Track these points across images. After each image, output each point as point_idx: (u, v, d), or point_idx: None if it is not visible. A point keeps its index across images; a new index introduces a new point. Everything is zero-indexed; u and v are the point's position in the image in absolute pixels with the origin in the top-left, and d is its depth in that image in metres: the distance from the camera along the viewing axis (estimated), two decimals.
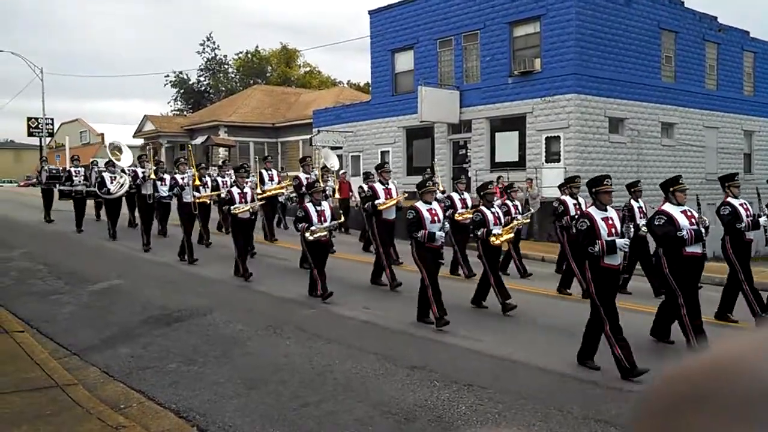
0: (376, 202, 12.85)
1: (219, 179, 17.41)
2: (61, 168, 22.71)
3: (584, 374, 7.43)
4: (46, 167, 21.69)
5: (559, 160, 21.30)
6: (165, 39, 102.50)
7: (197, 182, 15.29)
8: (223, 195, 14.79)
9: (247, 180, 13.65)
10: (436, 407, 6.33)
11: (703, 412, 0.46)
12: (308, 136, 31.54)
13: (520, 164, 22.34)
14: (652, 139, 23.64)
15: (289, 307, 10.64)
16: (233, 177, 14.94)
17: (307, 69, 65.53)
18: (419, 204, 9.84)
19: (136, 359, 7.94)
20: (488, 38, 23.63)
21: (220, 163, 24.17)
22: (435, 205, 10.03)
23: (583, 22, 21.42)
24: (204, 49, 62.68)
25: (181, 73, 61.75)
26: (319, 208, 11.28)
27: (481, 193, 10.97)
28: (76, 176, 19.60)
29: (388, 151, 26.89)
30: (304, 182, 16.01)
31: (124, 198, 17.85)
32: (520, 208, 13.11)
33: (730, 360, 0.48)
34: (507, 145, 23.26)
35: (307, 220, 11.09)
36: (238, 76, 63.27)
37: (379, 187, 13.15)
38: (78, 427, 5.78)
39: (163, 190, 16.19)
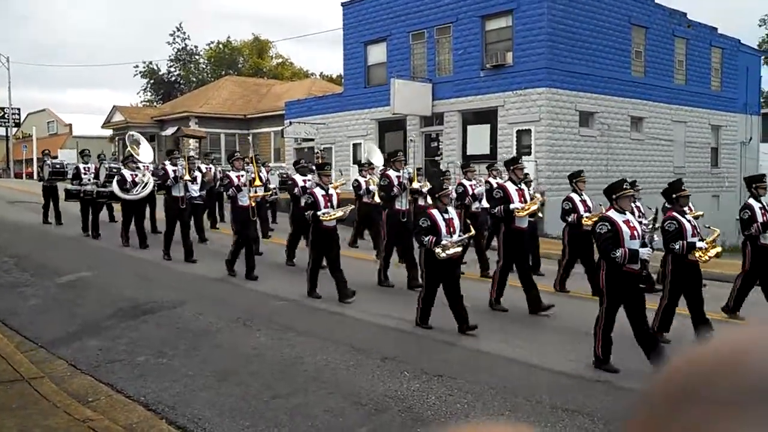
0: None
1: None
2: (65, 162, 19.49)
3: (553, 364, 7.51)
4: (48, 161, 18.32)
5: (530, 153, 21.42)
6: (135, 29, 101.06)
7: (258, 182, 12.70)
8: (304, 200, 11.09)
9: (329, 180, 11.21)
10: (406, 398, 6.37)
11: (702, 406, 0.46)
12: (280, 128, 31.38)
13: (491, 157, 22.42)
14: (621, 132, 23.89)
15: (261, 300, 10.60)
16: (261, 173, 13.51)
17: (280, 60, 65.08)
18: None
19: (105, 352, 7.86)
20: (460, 32, 23.67)
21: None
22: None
23: (555, 17, 21.55)
24: (174, 39, 61.97)
25: (151, 63, 61.04)
26: (446, 215, 8.95)
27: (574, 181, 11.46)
28: (85, 173, 16.68)
29: (360, 144, 26.86)
30: (395, 181, 12.27)
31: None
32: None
33: (731, 353, 0.48)
34: (479, 138, 23.35)
35: (434, 232, 8.71)
36: (209, 67, 62.66)
37: (393, 175, 12.71)
38: (45, 421, 5.71)
39: (194, 190, 14.29)
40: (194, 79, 60.33)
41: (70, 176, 17.25)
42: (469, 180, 13.75)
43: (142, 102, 60.93)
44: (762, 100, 37.29)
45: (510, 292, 10.03)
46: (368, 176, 15.21)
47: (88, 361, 7.54)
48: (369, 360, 7.49)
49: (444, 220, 8.80)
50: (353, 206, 12.59)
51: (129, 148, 15.43)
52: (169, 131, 38.31)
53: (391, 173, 12.07)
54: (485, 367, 7.45)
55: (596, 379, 7.09)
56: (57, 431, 5.56)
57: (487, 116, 23.09)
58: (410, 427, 5.83)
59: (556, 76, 21.66)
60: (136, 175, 14.79)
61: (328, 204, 10.49)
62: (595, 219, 9.22)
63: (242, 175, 12.42)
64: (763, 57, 38.18)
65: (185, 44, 61.67)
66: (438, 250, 8.39)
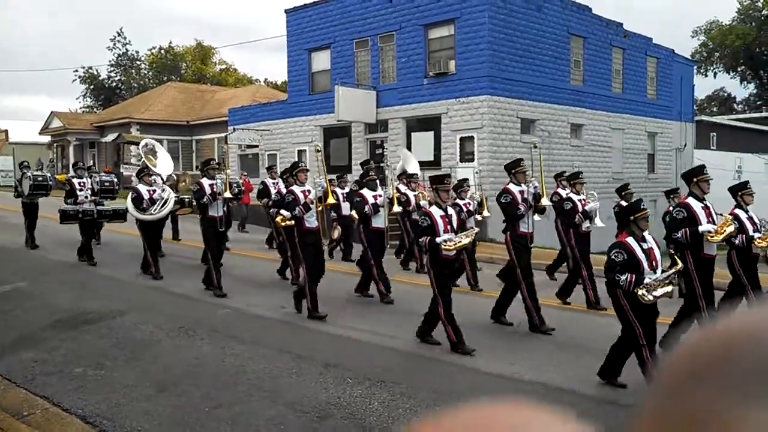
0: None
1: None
2: (49, 175, 16.96)
3: (501, 370, 7.64)
4: (28, 173, 15.60)
5: (472, 160, 21.71)
6: (73, 33, 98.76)
7: (332, 199, 10.80)
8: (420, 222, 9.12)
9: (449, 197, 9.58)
10: (349, 404, 6.40)
11: (713, 387, 0.45)
12: (224, 134, 31.08)
13: (435, 163, 22.65)
14: (561, 139, 24.40)
15: (203, 308, 10.49)
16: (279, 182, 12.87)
17: (223, 66, 64.51)
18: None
19: (41, 364, 7.67)
20: (404, 40, 23.87)
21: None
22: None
23: (496, 26, 21.91)
24: (115, 44, 60.74)
25: (90, 68, 59.74)
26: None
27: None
28: (81, 189, 14.23)
29: (305, 150, 26.80)
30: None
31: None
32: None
33: (742, 334, 0.47)
34: (423, 145, 23.54)
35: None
36: (150, 73, 61.66)
37: (410, 194, 12.35)
38: None
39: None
40: (135, 85, 59.29)
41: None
42: (577, 194, 11.44)
43: (81, 108, 59.56)
44: (695, 108, 38.57)
45: (462, 299, 10.13)
46: (416, 189, 13.92)
47: (23, 374, 7.35)
48: (311, 367, 7.50)
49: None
50: (478, 229, 10.58)
51: (144, 159, 13.45)
52: (110, 138, 37.59)
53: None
54: (429, 373, 7.53)
55: (543, 382, 7.24)
56: None
57: (431, 123, 23.31)
58: None
59: (498, 84, 22.01)
60: (154, 191, 12.91)
61: (448, 228, 8.46)
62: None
63: (309, 191, 10.25)
64: (695, 66, 39.49)
65: (126, 49, 60.61)
66: (641, 292, 6.65)
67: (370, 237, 11.23)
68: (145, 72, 62.23)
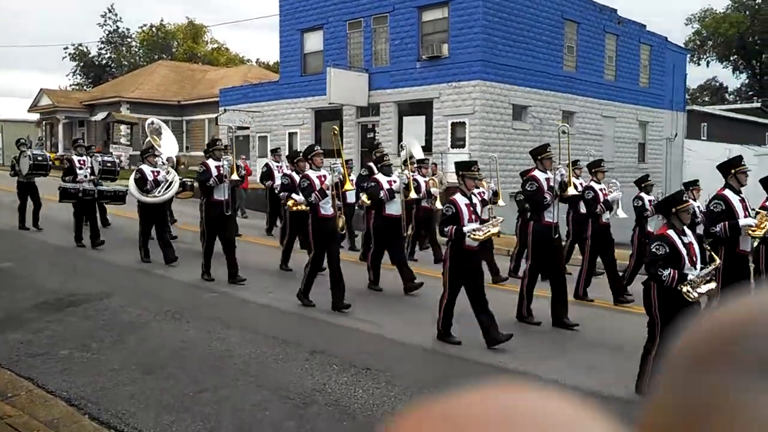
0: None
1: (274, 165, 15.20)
2: (49, 155, 16.43)
3: (489, 359, 7.67)
4: (28, 152, 15.01)
5: (464, 146, 21.70)
6: (63, 9, 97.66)
7: (349, 185, 10.48)
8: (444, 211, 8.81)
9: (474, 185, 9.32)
10: (333, 391, 6.41)
11: (724, 371, 0.43)
12: (215, 115, 30.92)
13: (426, 149, 22.59)
14: (553, 127, 24.36)
15: (191, 292, 10.49)
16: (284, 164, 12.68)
17: (215, 45, 64.06)
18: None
19: (26, 345, 7.65)
20: (397, 22, 23.74)
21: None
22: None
23: (490, 9, 21.82)
24: (105, 21, 60.14)
25: (80, 45, 59.21)
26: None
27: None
28: (80, 168, 13.65)
29: (296, 133, 26.71)
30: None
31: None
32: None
33: (753, 316, 0.45)
34: (414, 130, 23.48)
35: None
36: (141, 51, 61.16)
37: (421, 180, 11.93)
38: None
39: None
40: (126, 63, 58.80)
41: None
42: (598, 182, 11.01)
43: (71, 86, 59.05)
44: (687, 98, 38.62)
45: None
46: (426, 176, 13.44)
47: (8, 355, 7.32)
48: (298, 353, 7.51)
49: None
50: (503, 218, 9.95)
51: (149, 138, 12.93)
52: (100, 116, 37.34)
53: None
54: (414, 361, 7.56)
55: (524, 370, 7.27)
56: None
57: (423, 108, 23.25)
58: (337, 420, 5.88)
59: (491, 69, 21.95)
60: (158, 173, 12.40)
61: (473, 216, 8.16)
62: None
63: (324, 176, 9.71)
64: (688, 55, 39.50)
65: (117, 26, 60.05)
66: (686, 289, 6.33)
67: (379, 224, 10.89)
68: (136, 50, 61.72)
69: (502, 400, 0.43)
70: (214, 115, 31.66)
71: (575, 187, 9.92)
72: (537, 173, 9.26)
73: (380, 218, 10.91)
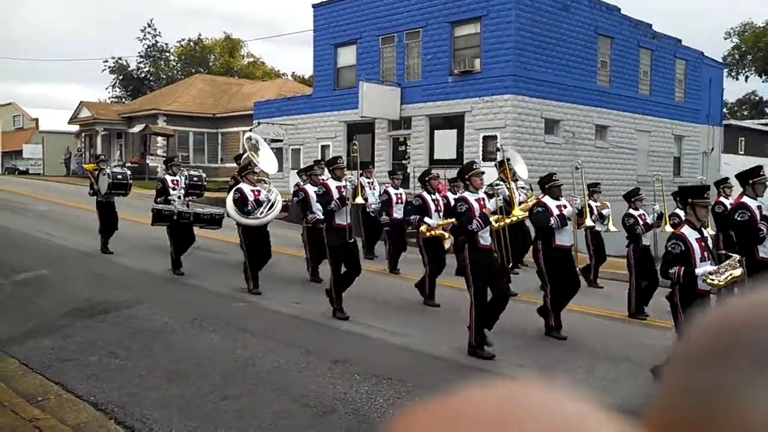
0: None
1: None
2: (129, 173, 14.62)
3: (514, 370, 7.65)
4: (107, 170, 13.95)
5: (495, 159, 21.63)
6: (104, 24, 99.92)
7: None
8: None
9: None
10: (354, 400, 6.46)
11: (727, 368, 0.43)
12: (249, 128, 31.31)
13: (458, 162, 22.61)
14: (586, 140, 24.24)
15: (218, 301, 10.62)
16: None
17: (251, 59, 64.85)
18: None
19: (57, 351, 7.84)
20: (430, 36, 23.87)
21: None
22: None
23: (523, 25, 21.84)
24: (145, 35, 61.25)
25: (120, 59, 60.36)
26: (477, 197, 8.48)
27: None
28: (174, 189, 12.57)
29: (329, 146, 26.92)
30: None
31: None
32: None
33: (757, 312, 0.45)
34: (446, 143, 23.56)
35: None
36: (179, 65, 62.15)
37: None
38: None
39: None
40: (164, 77, 59.79)
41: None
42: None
43: (110, 98, 60.24)
44: (725, 112, 38.07)
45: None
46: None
47: (40, 360, 7.51)
48: (320, 362, 7.57)
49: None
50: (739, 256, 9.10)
51: (248, 154, 11.73)
52: (137, 128, 38.04)
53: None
54: (434, 372, 7.56)
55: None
56: (2, 430, 5.57)
57: (455, 121, 23.32)
58: (356, 429, 5.92)
59: (523, 84, 21.93)
60: (259, 192, 11.20)
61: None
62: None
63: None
64: (727, 69, 38.96)
65: (156, 41, 61.12)
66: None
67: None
68: (174, 64, 62.74)
69: (506, 397, 0.43)
70: (248, 128, 32.07)
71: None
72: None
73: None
